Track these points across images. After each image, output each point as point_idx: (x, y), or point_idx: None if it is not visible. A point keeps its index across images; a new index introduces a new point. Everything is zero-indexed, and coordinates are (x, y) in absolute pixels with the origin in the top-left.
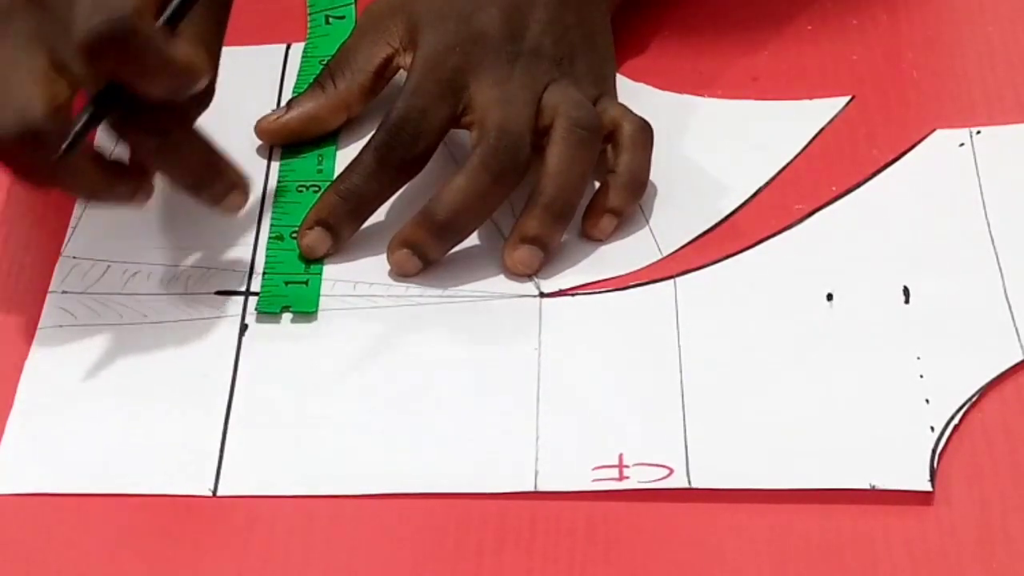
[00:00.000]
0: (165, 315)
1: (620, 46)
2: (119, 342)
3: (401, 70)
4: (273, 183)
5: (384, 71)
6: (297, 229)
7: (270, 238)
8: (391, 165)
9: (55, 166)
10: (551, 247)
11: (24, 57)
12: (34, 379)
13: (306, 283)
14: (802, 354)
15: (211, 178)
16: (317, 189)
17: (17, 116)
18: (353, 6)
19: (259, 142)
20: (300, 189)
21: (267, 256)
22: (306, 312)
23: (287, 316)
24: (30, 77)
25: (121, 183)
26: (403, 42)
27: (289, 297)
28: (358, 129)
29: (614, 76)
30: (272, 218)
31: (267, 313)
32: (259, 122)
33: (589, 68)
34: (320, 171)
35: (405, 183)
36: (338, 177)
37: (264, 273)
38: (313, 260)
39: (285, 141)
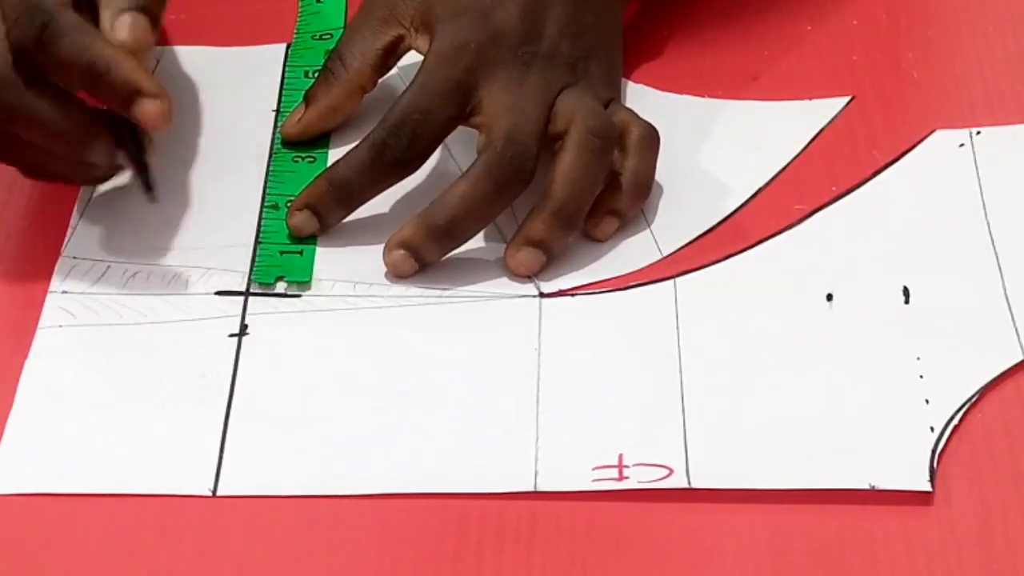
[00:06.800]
0: (165, 315)
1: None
2: (119, 342)
3: (412, 51)
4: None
5: (395, 49)
6: (292, 198)
7: (266, 207)
8: (385, 163)
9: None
10: (555, 251)
11: None
12: (34, 379)
13: (300, 253)
14: (802, 354)
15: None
16: (312, 160)
17: None
18: None
19: (260, 142)
20: (296, 160)
21: (263, 225)
22: (300, 281)
23: (286, 317)
24: None
25: (87, 137)
26: (415, 23)
27: (284, 267)
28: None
29: (620, 79)
30: (268, 186)
31: (263, 283)
32: (283, 127)
33: (602, 72)
34: (317, 141)
35: (398, 181)
36: (332, 165)
37: (259, 243)
38: (301, 239)
39: (313, 137)
